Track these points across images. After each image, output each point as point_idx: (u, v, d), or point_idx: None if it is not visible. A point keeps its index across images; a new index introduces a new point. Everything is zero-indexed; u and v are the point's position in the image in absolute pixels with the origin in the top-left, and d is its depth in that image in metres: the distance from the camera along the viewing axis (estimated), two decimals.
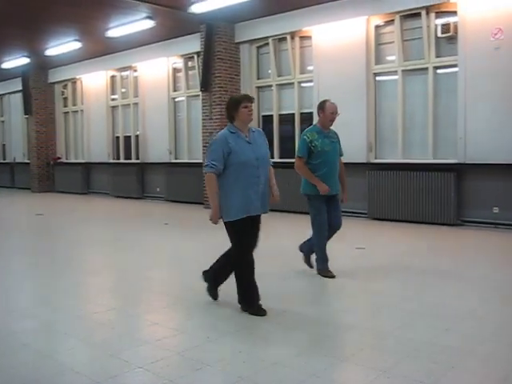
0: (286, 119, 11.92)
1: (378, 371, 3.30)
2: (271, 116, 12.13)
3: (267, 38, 11.77)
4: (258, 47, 12.30)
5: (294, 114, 11.66)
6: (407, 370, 3.31)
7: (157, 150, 14.61)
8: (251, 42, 12.19)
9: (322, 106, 5.70)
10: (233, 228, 4.45)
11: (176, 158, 14.25)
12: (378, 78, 10.29)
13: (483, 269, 6.08)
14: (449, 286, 5.29)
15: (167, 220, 10.41)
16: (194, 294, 5.26)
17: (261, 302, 4.50)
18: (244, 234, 4.45)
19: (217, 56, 12.02)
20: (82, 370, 3.42)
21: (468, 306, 4.67)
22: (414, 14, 9.56)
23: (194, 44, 12.68)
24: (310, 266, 5.94)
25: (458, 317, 4.36)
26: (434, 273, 5.90)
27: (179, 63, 13.97)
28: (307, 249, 5.94)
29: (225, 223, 4.47)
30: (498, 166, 8.61)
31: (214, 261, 4.78)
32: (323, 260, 5.73)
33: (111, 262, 7.10)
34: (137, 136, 15.48)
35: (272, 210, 4.81)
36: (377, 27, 10.21)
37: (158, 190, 14.68)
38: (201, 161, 12.58)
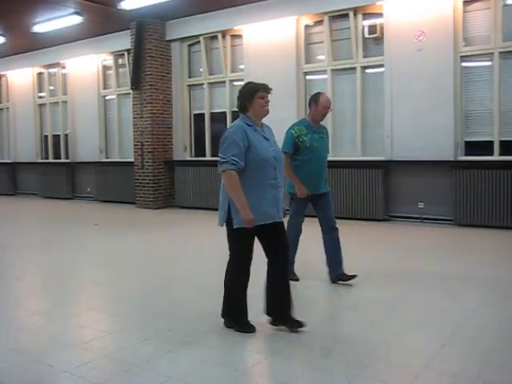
0: (218, 118, 11.92)
1: (307, 365, 3.37)
2: (203, 114, 12.10)
3: (198, 36, 11.73)
4: (190, 45, 12.23)
5: (225, 113, 11.67)
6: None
7: (87, 149, 14.27)
8: (182, 39, 12.11)
9: (315, 98, 5.28)
10: (240, 236, 3.86)
11: (107, 157, 13.97)
12: (308, 77, 10.45)
13: (412, 262, 6.30)
14: (380, 280, 5.46)
15: (98, 221, 10.20)
16: (122, 294, 5.20)
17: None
18: (249, 244, 3.93)
19: (147, 54, 11.88)
20: (4, 378, 3.31)
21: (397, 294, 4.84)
22: (342, 15, 9.77)
23: (124, 41, 12.46)
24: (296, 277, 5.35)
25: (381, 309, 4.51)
26: (363, 265, 6.07)
27: (109, 60, 13.69)
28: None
29: (232, 229, 3.87)
30: (422, 162, 8.94)
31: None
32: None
33: (39, 265, 6.90)
34: (66, 135, 15.05)
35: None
36: (306, 27, 10.37)
37: (88, 189, 14.35)
38: (132, 160, 12.43)
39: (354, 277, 5.24)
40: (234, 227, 3.84)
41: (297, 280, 5.25)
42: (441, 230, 8.44)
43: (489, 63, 8.56)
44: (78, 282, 5.84)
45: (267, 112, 3.98)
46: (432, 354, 3.52)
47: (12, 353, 3.74)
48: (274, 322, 4.04)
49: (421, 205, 9.03)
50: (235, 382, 3.22)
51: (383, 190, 9.25)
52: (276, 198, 3.92)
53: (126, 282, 5.68)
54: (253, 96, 3.93)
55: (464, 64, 8.76)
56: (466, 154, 8.80)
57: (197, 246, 7.55)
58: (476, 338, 3.81)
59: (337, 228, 5.44)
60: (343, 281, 5.25)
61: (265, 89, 3.98)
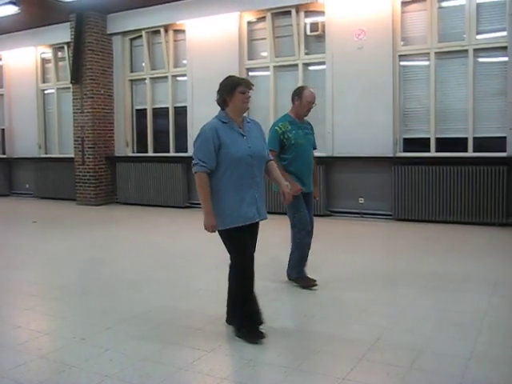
0: (161, 113, 11.79)
1: (246, 360, 3.40)
2: (145, 110, 11.95)
3: (140, 30, 11.57)
4: (132, 39, 12.04)
5: (168, 108, 11.57)
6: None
7: (25, 144, 13.82)
8: (124, 33, 11.92)
9: (299, 92, 5.11)
10: (229, 237, 3.78)
11: (46, 153, 13.59)
12: (250, 73, 10.47)
13: (349, 257, 6.43)
14: (316, 274, 5.55)
15: (36, 218, 9.93)
16: (61, 293, 5.09)
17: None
18: (242, 242, 3.81)
19: (88, 47, 11.62)
20: None
21: (333, 294, 4.92)
22: (284, 12, 9.84)
23: (63, 34, 12.13)
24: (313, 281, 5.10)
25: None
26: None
27: (48, 53, 13.31)
28: (289, 267, 5.18)
29: (219, 231, 3.79)
30: (362, 158, 9.13)
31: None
32: (302, 266, 5.11)
33: None
34: (2, 129, 14.54)
35: None
36: (249, 23, 10.40)
37: (27, 186, 13.92)
38: (73, 156, 12.15)
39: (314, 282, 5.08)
40: (219, 229, 3.77)
41: (315, 285, 5.02)
42: (380, 225, 8.65)
43: (426, 63, 8.82)
44: (14, 281, 5.66)
45: (247, 108, 3.87)
46: (369, 345, 3.60)
47: None
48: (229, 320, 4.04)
49: (361, 200, 9.22)
50: (174, 378, 3.21)
51: (324, 185, 9.38)
52: (254, 197, 3.80)
53: (64, 281, 5.55)
54: (233, 90, 3.77)
55: (402, 63, 8.99)
56: (405, 151, 9.04)
57: (138, 242, 7.47)
58: (411, 330, 3.93)
59: (312, 232, 5.24)
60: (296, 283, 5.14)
61: (246, 84, 3.83)
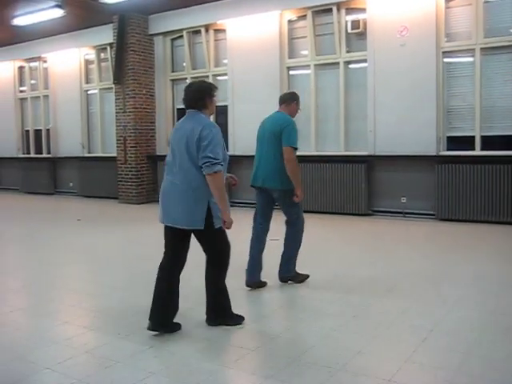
0: None
1: (290, 359, 3.39)
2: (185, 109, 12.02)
3: (181, 30, 11.67)
4: (173, 39, 12.17)
5: None
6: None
7: (69, 143, 14.14)
8: (165, 34, 12.05)
9: (296, 97, 5.36)
10: (222, 235, 3.92)
11: (89, 152, 13.86)
12: (291, 72, 10.44)
13: (392, 257, 6.34)
14: (360, 275, 5.49)
15: (80, 216, 10.12)
16: (105, 290, 5.18)
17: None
18: (228, 240, 4.00)
19: (130, 48, 11.79)
20: None
21: (376, 294, 4.86)
22: (325, 10, 9.78)
23: (106, 35, 12.36)
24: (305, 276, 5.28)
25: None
26: (343, 261, 6.10)
27: (91, 55, 13.56)
28: (289, 267, 5.19)
29: (214, 230, 3.81)
30: (405, 157, 8.99)
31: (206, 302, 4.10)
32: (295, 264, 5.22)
33: (20, 261, 6.84)
34: (48, 130, 14.90)
35: None
36: (290, 22, 10.37)
37: (70, 185, 14.23)
38: (115, 155, 12.36)
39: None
40: (217, 227, 3.80)
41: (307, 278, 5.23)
42: (423, 225, 8.50)
43: (470, 59, 8.63)
44: (61, 277, 5.80)
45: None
46: (414, 347, 3.54)
47: None
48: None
49: (403, 199, 9.09)
50: (217, 377, 3.22)
51: (366, 184, 9.28)
52: None
53: (108, 278, 5.65)
54: (212, 94, 3.96)
55: (446, 59, 8.82)
56: (448, 149, 8.86)
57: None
58: (457, 332, 3.84)
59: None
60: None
61: (216, 89, 4.06)
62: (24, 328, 4.21)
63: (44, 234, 8.53)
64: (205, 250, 3.98)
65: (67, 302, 4.92)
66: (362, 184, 9.28)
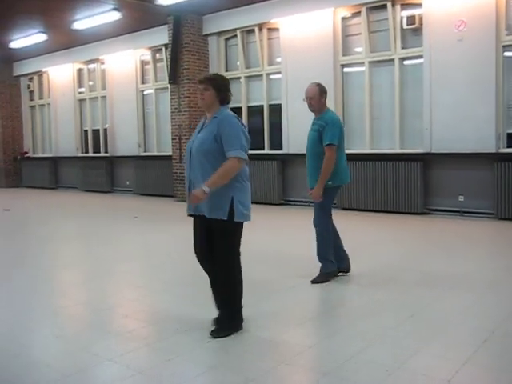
0: (255, 111, 11.94)
1: (347, 357, 3.38)
2: (240, 108, 12.14)
3: (235, 29, 11.77)
4: (226, 39, 12.28)
5: (262, 106, 11.69)
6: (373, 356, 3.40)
7: (126, 143, 14.50)
8: (219, 33, 12.17)
9: (325, 89, 5.25)
10: (238, 231, 3.79)
11: (145, 151, 14.16)
12: (345, 70, 10.38)
13: (450, 256, 6.22)
14: (416, 273, 5.42)
15: (137, 213, 10.36)
16: (164, 285, 5.29)
17: None
18: (240, 238, 3.87)
19: (185, 48, 11.97)
20: (52, 363, 3.42)
21: (433, 293, 4.78)
22: (380, 6, 9.66)
23: (161, 36, 12.59)
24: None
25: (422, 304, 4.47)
26: (399, 260, 6.02)
27: (147, 55, 13.86)
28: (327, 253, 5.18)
29: (231, 223, 3.71)
30: (462, 155, 8.78)
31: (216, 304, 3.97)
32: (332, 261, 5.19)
33: (81, 257, 7.07)
34: (105, 129, 15.32)
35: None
36: (343, 19, 10.29)
37: (127, 183, 14.58)
38: (170, 154, 12.58)
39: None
40: (236, 220, 3.72)
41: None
42: (481, 224, 8.29)
43: None
44: (121, 273, 5.96)
45: None
46: (474, 348, 3.48)
47: (59, 341, 3.86)
48: None
49: (461, 198, 8.89)
50: (276, 371, 3.25)
51: (422, 182, 9.13)
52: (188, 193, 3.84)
53: (168, 274, 5.77)
54: (229, 88, 3.93)
55: (507, 54, 8.56)
56: (508, 146, 8.60)
57: None
58: None
59: (315, 227, 5.21)
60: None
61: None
62: (86, 321, 4.36)
63: (103, 230, 8.78)
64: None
65: (128, 296, 5.05)
66: (417, 182, 9.11)
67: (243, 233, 3.84)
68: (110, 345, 3.72)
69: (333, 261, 5.16)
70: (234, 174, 3.72)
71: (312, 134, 5.16)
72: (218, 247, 3.77)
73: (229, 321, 3.82)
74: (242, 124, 3.86)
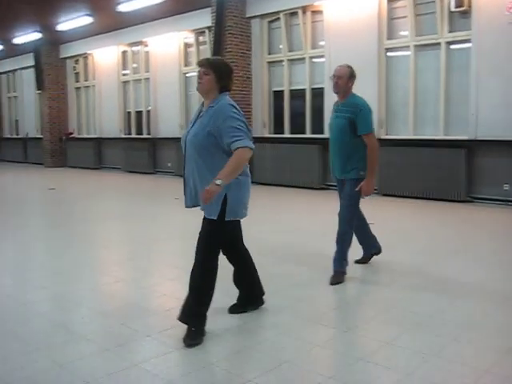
0: (297, 95, 11.87)
1: (382, 342, 3.38)
2: (282, 91, 12.10)
3: (278, 12, 11.68)
4: (270, 22, 12.21)
5: (305, 90, 11.61)
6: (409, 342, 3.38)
7: (168, 125, 14.65)
8: (262, 16, 12.11)
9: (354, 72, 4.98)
10: (225, 228, 3.60)
11: None
12: (389, 54, 10.20)
13: (492, 245, 6.10)
14: (457, 260, 5.34)
15: (178, 195, 10.44)
16: None
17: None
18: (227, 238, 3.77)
19: (228, 31, 11.96)
20: (93, 337, 3.53)
21: (475, 280, 4.71)
22: None
23: (205, 19, 12.61)
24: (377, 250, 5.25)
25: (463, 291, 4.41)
26: (441, 248, 5.94)
27: (190, 38, 13.92)
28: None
29: (221, 223, 3.54)
30: (508, 142, 8.55)
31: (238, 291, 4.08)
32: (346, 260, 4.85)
33: (123, 236, 7.22)
34: (148, 111, 15.51)
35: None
36: (389, 1, 10.09)
37: (169, 165, 14.75)
38: None
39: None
40: (227, 219, 3.52)
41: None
42: None
43: None
44: (161, 253, 6.07)
45: None
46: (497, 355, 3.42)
47: (100, 316, 3.97)
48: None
49: (506, 187, 8.67)
50: (311, 354, 3.27)
51: (466, 170, 8.94)
52: (186, 187, 3.82)
53: None
54: (232, 76, 3.66)
55: None
56: None
57: (275, 221, 7.64)
58: None
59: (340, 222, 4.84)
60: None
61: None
62: (126, 298, 4.46)
63: (145, 211, 8.94)
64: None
65: (167, 275, 5.15)
66: (461, 170, 8.93)
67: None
68: (149, 322, 3.80)
69: (346, 259, 4.85)
70: (245, 164, 3.53)
71: (340, 122, 4.74)
72: (199, 242, 3.68)
73: (201, 316, 3.56)
74: (240, 112, 3.58)
